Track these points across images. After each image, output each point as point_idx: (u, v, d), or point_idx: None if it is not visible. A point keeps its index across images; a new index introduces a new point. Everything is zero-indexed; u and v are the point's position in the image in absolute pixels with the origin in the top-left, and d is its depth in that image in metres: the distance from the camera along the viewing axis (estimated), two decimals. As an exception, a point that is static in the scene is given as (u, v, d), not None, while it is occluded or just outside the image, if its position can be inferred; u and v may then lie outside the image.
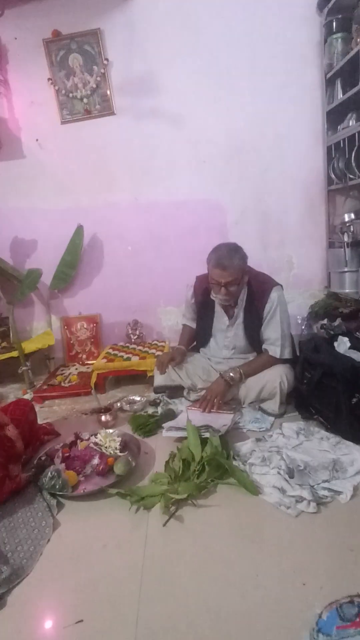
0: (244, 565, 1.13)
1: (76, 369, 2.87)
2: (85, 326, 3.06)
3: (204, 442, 1.58)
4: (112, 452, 1.67)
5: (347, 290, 2.56)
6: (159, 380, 2.16)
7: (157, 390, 2.22)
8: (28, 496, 1.48)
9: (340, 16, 2.37)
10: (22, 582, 1.14)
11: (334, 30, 2.40)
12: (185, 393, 2.18)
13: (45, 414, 2.29)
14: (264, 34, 2.59)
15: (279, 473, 1.43)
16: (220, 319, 2.07)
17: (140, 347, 2.74)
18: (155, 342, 2.88)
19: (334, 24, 2.40)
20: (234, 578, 1.09)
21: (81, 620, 1.00)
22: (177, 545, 1.22)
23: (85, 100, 2.72)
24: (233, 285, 1.85)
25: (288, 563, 1.11)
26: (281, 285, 2.00)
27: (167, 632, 0.96)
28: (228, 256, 1.82)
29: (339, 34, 2.38)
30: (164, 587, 1.08)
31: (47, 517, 1.37)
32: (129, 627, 0.97)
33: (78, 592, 1.10)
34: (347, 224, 2.50)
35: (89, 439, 1.78)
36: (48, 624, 1.03)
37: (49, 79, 2.70)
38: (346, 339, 1.90)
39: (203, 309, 2.12)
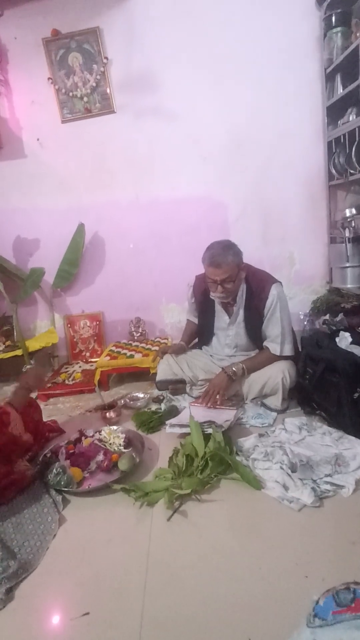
0: (247, 558, 1.14)
1: (80, 366, 2.89)
2: (88, 324, 3.07)
3: (207, 437, 1.59)
4: (116, 448, 1.69)
5: (349, 286, 2.56)
6: (161, 374, 2.17)
7: (160, 385, 2.23)
8: (34, 492, 1.50)
9: (339, 10, 2.37)
10: (29, 576, 1.16)
11: (334, 24, 2.39)
12: (187, 389, 2.19)
13: (50, 411, 2.32)
14: (263, 29, 2.58)
15: (281, 468, 1.44)
16: (220, 317, 2.08)
17: (143, 345, 2.75)
18: (157, 339, 2.90)
19: (334, 18, 2.39)
20: (237, 571, 1.10)
21: (87, 613, 1.02)
22: (181, 539, 1.24)
23: (85, 98, 2.73)
24: (229, 282, 1.86)
25: (290, 556, 1.13)
26: (280, 282, 2.00)
27: (171, 624, 0.97)
28: (222, 253, 1.83)
29: (339, 29, 2.37)
30: (169, 580, 1.10)
31: (53, 512, 1.39)
32: (134, 618, 0.99)
33: (84, 586, 1.12)
34: (348, 219, 2.50)
35: (93, 435, 1.80)
36: (55, 616, 1.05)
37: (49, 78, 2.71)
38: (348, 334, 1.91)
39: (203, 308, 2.13)
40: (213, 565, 1.13)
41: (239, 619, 0.96)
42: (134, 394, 2.32)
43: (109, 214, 2.93)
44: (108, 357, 2.56)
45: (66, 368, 2.89)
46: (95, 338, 3.07)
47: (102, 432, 1.80)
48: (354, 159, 2.25)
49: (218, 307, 2.07)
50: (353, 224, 2.47)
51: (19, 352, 2.69)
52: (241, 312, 2.02)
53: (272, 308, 1.93)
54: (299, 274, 2.94)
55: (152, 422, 1.95)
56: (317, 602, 0.86)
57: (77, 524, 1.36)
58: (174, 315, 3.07)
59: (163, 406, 2.12)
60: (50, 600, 1.09)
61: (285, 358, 1.97)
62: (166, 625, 0.97)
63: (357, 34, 2.16)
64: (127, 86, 2.72)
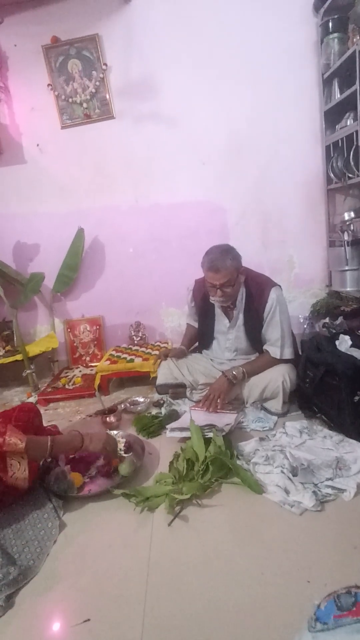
0: (248, 563, 1.14)
1: (80, 371, 2.88)
2: (88, 328, 3.07)
3: (207, 442, 1.58)
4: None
5: (348, 289, 2.56)
6: (162, 378, 2.17)
7: (160, 389, 2.23)
8: (34, 498, 1.49)
9: (336, 16, 2.38)
10: (29, 583, 1.15)
11: (330, 30, 2.41)
12: (188, 393, 2.19)
13: (50, 416, 2.31)
14: (261, 35, 2.60)
15: (282, 472, 1.44)
16: (220, 321, 2.08)
17: (143, 349, 2.75)
18: (157, 343, 2.89)
19: (330, 24, 2.41)
20: (238, 576, 1.10)
21: (88, 619, 1.02)
22: (182, 544, 1.23)
23: (84, 104, 2.75)
24: (228, 287, 1.87)
25: (292, 561, 1.12)
26: (280, 286, 2.00)
27: (173, 629, 0.97)
28: (220, 258, 1.83)
29: (336, 34, 2.39)
30: (170, 585, 1.09)
31: (54, 518, 1.39)
32: (135, 624, 0.99)
33: (85, 592, 1.11)
34: (347, 223, 2.51)
35: (93, 440, 1.79)
36: (56, 623, 1.04)
37: (48, 85, 2.73)
38: (348, 337, 1.91)
39: (203, 312, 2.13)
40: (214, 570, 1.12)
41: (240, 624, 0.96)
42: (134, 398, 2.32)
43: (109, 218, 2.94)
44: (108, 362, 2.56)
45: (66, 373, 2.88)
46: (95, 342, 3.07)
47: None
48: (351, 163, 2.26)
49: (218, 311, 2.07)
50: (352, 228, 2.47)
51: (19, 357, 2.69)
52: (241, 316, 2.02)
53: (272, 311, 1.93)
54: (298, 278, 2.95)
55: (153, 426, 1.95)
56: (319, 606, 0.86)
57: (78, 530, 1.36)
58: (174, 319, 3.07)
59: (163, 410, 2.12)
60: (50, 607, 1.08)
61: (286, 361, 1.97)
62: (168, 630, 0.97)
63: (354, 40, 2.18)
64: (126, 92, 2.74)
